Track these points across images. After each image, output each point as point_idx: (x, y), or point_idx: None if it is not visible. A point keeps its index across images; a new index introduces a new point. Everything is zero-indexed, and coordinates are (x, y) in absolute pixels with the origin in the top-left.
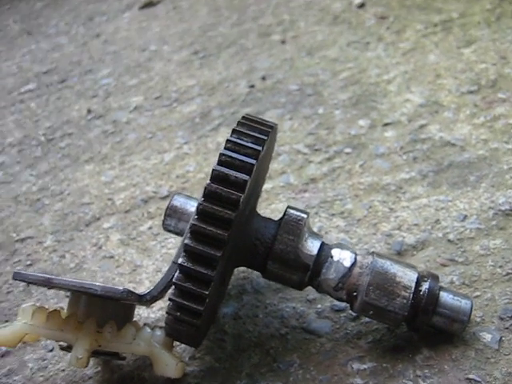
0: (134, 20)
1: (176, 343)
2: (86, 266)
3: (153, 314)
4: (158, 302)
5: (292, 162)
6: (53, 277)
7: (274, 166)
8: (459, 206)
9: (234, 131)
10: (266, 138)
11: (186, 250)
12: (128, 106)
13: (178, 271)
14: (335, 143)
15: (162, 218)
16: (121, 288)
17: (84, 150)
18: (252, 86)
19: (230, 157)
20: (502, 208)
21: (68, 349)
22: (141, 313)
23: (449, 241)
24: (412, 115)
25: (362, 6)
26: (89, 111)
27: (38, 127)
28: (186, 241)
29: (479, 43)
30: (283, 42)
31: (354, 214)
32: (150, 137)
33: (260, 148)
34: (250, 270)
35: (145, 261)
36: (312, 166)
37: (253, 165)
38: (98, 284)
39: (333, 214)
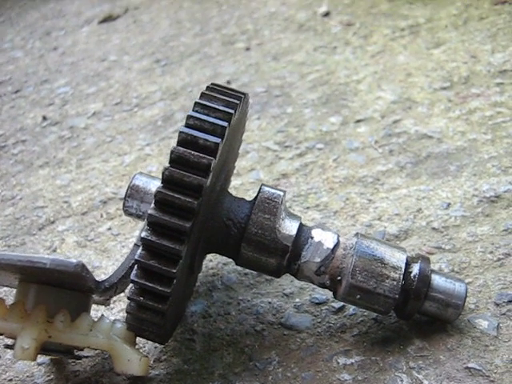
0: (92, 33)
1: (139, 344)
2: None
3: (112, 316)
4: (118, 303)
5: (261, 158)
6: None
7: (243, 163)
8: (441, 195)
9: (202, 95)
10: (238, 102)
11: (150, 222)
12: (86, 112)
13: (140, 247)
14: (306, 139)
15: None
16: (74, 260)
17: (38, 155)
18: None
19: (199, 119)
20: (487, 195)
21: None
22: (98, 315)
23: (433, 229)
24: (385, 111)
25: (326, 14)
26: (44, 118)
27: None
28: (150, 211)
29: (448, 44)
30: (248, 49)
31: (330, 206)
32: (109, 140)
33: (232, 111)
34: (219, 265)
35: (104, 261)
36: (283, 162)
37: (225, 127)
38: (47, 257)
39: (308, 207)
